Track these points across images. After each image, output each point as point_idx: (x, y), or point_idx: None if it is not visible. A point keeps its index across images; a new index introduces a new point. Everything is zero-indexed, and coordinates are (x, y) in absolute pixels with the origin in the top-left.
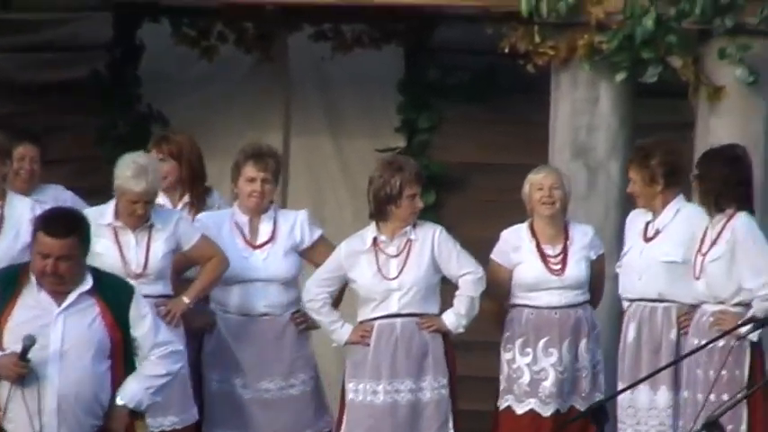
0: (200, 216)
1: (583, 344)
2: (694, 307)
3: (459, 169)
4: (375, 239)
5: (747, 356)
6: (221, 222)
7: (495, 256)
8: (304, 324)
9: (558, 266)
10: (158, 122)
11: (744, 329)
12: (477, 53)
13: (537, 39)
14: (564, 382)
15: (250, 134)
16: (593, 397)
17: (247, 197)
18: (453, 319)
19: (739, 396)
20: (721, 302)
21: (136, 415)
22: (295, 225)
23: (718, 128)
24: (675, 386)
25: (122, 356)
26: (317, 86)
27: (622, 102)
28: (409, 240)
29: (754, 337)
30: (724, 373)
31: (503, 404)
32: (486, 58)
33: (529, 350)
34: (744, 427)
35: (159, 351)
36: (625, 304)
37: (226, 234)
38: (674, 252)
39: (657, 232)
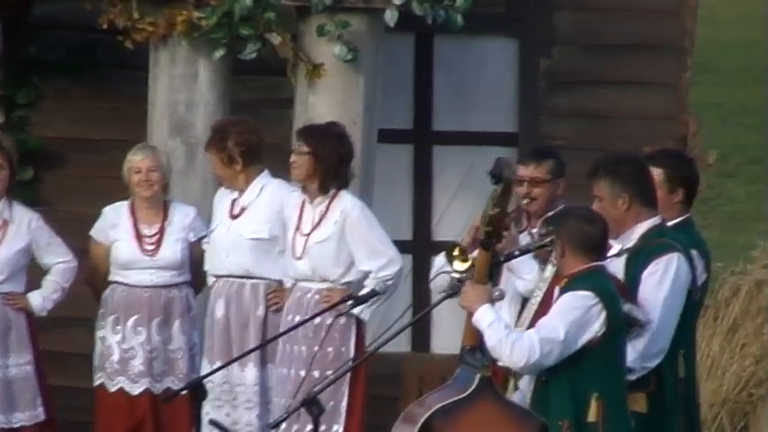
0: None
1: (176, 325)
2: (281, 283)
3: (57, 145)
4: None
5: (353, 333)
6: None
7: (94, 232)
8: None
9: (152, 247)
10: None
11: (346, 305)
12: (76, 29)
13: (136, 15)
14: (154, 362)
15: None
16: (191, 378)
17: None
18: (40, 300)
19: (333, 374)
20: (326, 281)
21: None
22: None
23: (317, 105)
24: (263, 363)
25: None
26: None
27: (221, 78)
28: (5, 221)
29: (365, 315)
30: (330, 349)
31: (96, 381)
32: (86, 35)
33: (119, 328)
34: (345, 403)
35: None
36: (211, 280)
37: None
38: (260, 229)
39: (243, 209)
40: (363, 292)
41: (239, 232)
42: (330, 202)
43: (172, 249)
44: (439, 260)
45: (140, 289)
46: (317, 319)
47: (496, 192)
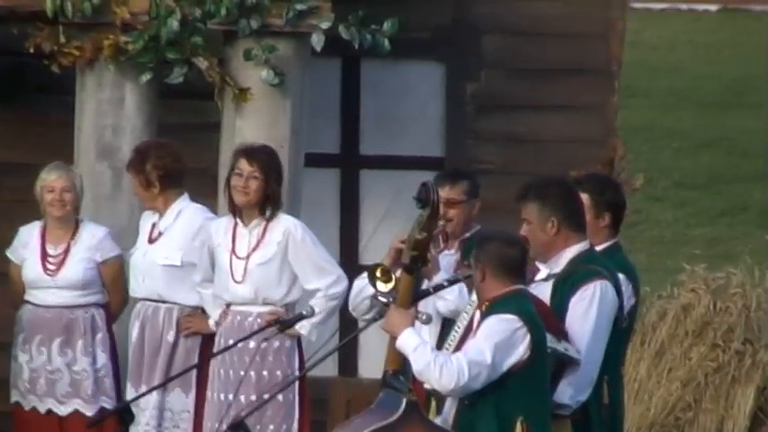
0: None
1: (80, 346)
2: (197, 309)
3: None
4: None
5: (296, 355)
6: None
7: (9, 252)
8: None
9: (54, 267)
10: None
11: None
12: (2, 53)
13: (62, 39)
14: (57, 384)
15: None
16: (98, 400)
17: None
18: None
19: (266, 396)
20: (268, 303)
21: None
22: None
23: (243, 129)
24: (166, 388)
25: None
26: None
27: (147, 102)
28: None
29: (312, 336)
30: (278, 373)
31: (12, 399)
32: (13, 58)
33: (27, 347)
34: (296, 425)
35: None
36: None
37: None
38: (173, 255)
39: (160, 234)
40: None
41: (153, 258)
42: (267, 224)
43: (74, 269)
44: (359, 283)
45: (44, 308)
46: (264, 344)
47: (423, 216)
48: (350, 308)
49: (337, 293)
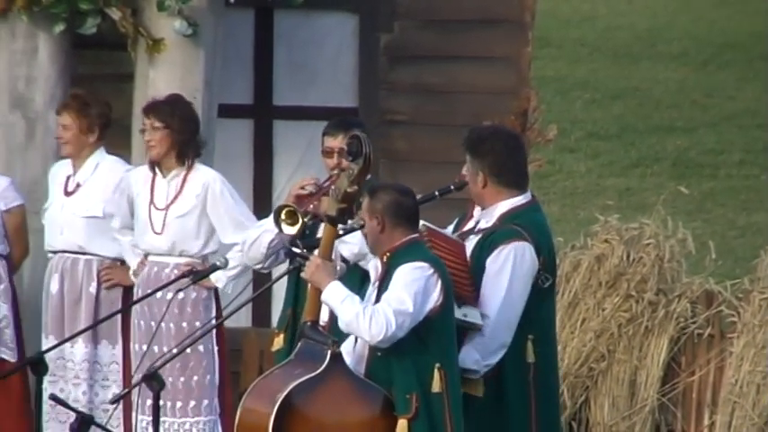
0: None
1: None
2: (116, 260)
3: None
4: None
5: (214, 306)
6: None
7: None
8: None
9: None
10: None
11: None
12: None
13: None
14: None
15: None
16: None
17: None
18: None
19: (175, 350)
20: (185, 254)
21: None
22: None
23: (157, 80)
24: (94, 340)
25: None
26: None
27: (61, 53)
28: None
29: (228, 288)
30: (198, 324)
31: None
32: None
33: None
34: (217, 376)
35: None
36: (49, 255)
37: None
38: (95, 207)
39: (78, 186)
40: (231, 264)
41: (73, 210)
42: (186, 175)
43: None
44: (253, 233)
45: None
46: (181, 295)
47: (353, 169)
48: (243, 257)
49: None
